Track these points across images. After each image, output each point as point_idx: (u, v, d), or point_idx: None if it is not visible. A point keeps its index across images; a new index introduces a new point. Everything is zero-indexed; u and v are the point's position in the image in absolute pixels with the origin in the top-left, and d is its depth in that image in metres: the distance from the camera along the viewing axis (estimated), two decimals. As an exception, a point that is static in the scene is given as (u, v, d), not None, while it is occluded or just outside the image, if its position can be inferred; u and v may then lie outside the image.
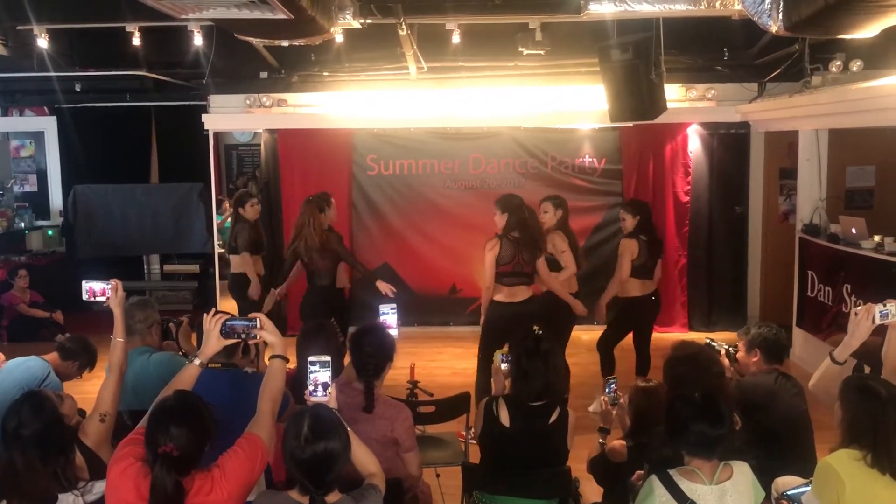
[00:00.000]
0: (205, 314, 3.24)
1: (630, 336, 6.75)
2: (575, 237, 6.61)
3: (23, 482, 3.05)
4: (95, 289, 3.59)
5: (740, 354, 4.27)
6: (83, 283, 3.58)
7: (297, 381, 3.71)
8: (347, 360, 3.92)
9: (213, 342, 3.14)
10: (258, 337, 3.19)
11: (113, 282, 3.60)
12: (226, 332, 3.14)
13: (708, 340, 4.51)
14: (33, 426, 3.11)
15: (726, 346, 4.35)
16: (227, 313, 3.29)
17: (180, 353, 4.62)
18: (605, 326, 6.77)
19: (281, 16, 4.34)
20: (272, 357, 3.19)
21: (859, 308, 3.46)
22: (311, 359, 3.04)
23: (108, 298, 3.58)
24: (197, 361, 3.14)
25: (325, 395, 3.01)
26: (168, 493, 2.65)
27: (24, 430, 3.10)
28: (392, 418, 3.65)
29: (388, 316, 4.24)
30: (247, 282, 7.36)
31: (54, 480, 3.08)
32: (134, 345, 4.23)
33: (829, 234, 7.54)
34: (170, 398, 2.84)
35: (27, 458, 3.07)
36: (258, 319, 3.16)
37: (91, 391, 3.57)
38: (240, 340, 3.29)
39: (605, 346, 6.66)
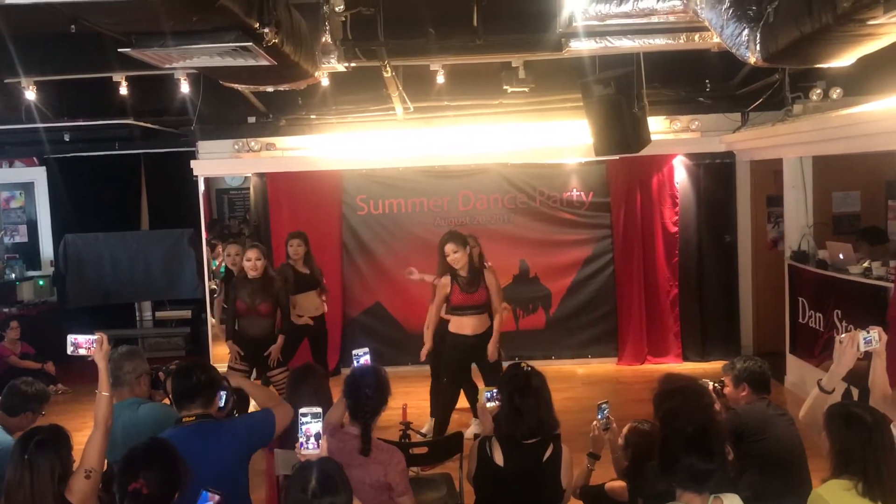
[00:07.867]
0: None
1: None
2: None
3: None
4: (80, 342, 3.55)
5: (728, 389, 4.30)
6: (68, 336, 3.54)
7: (289, 428, 3.68)
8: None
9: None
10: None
11: (98, 335, 3.55)
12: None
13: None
14: None
15: (712, 382, 4.35)
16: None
17: (169, 401, 4.57)
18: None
19: (265, 62, 4.37)
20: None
21: (844, 336, 3.47)
22: (301, 411, 2.96)
23: (92, 351, 3.54)
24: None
25: (317, 448, 2.96)
26: None
27: None
28: (385, 462, 3.60)
29: (363, 358, 4.11)
30: None
31: None
32: (122, 396, 4.17)
33: (817, 261, 7.58)
34: (142, 443, 2.78)
35: None
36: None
37: (84, 443, 3.52)
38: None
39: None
